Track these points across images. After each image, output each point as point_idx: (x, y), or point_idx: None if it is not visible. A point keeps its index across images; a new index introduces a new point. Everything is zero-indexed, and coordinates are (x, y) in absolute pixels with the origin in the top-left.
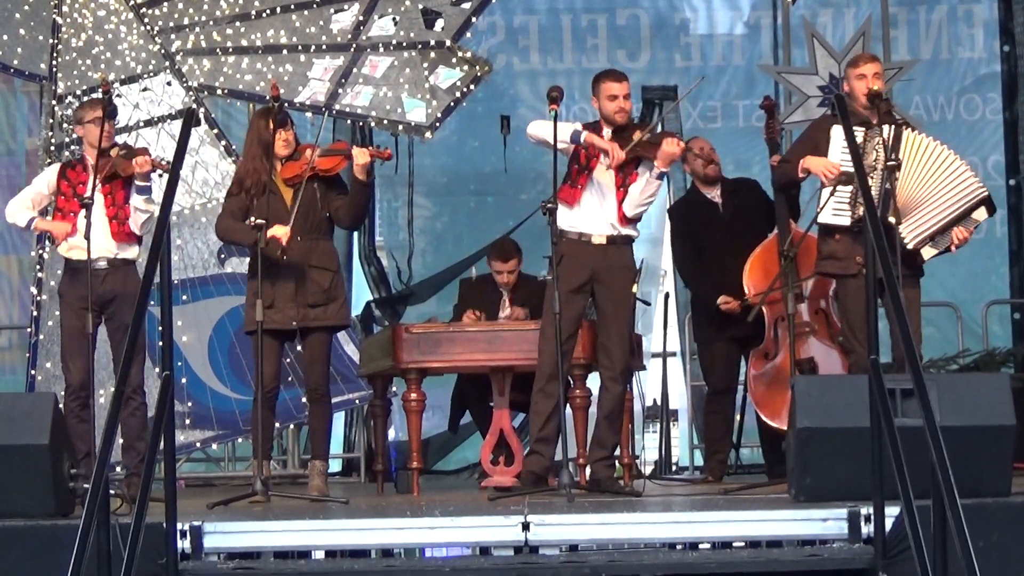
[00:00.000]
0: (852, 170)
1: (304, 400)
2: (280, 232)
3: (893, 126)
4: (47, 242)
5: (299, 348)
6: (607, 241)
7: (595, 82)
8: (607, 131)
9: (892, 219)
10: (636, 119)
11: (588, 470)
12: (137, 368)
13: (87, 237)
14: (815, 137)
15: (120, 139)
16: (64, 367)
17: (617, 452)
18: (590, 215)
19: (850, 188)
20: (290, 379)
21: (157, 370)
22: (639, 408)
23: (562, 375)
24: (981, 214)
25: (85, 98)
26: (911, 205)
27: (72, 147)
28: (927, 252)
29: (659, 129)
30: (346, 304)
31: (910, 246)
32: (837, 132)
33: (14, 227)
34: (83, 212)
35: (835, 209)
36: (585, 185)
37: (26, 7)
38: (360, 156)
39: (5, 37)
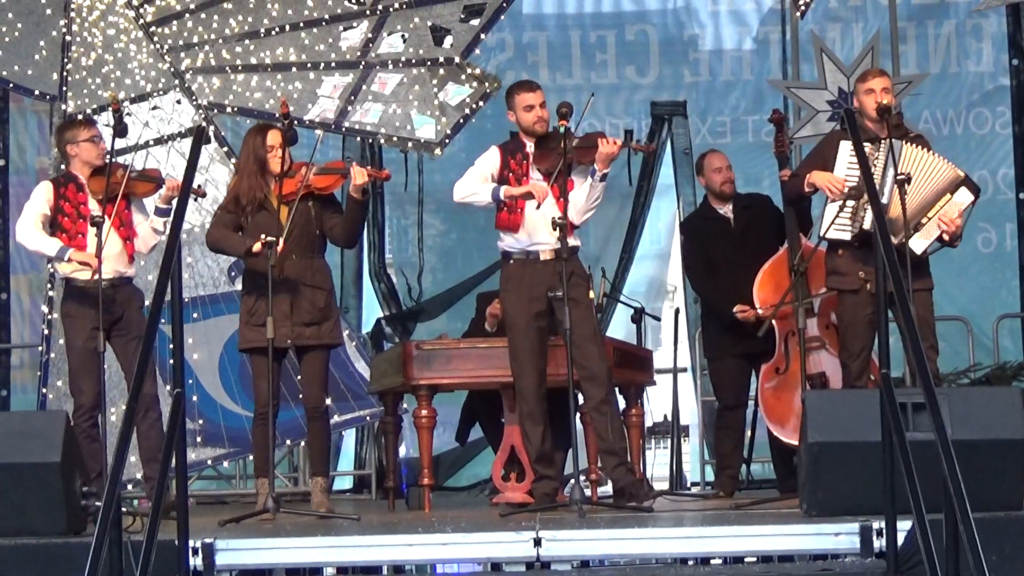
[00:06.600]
0: (858, 184)
1: None
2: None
3: (897, 140)
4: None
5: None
6: (555, 255)
7: (508, 95)
8: (530, 145)
9: (894, 239)
10: (585, 131)
11: (608, 483)
12: (150, 381)
13: (99, 256)
14: (825, 152)
15: (126, 157)
16: (75, 388)
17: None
18: (535, 232)
19: (855, 203)
20: (300, 396)
21: (168, 388)
22: (650, 423)
23: (545, 396)
24: (963, 196)
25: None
26: (913, 215)
27: (61, 165)
28: (918, 244)
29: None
30: (338, 323)
31: (918, 250)
32: (845, 147)
33: (37, 254)
34: (93, 231)
35: (838, 225)
36: (524, 207)
37: (36, 26)
38: (358, 176)
39: (15, 56)
